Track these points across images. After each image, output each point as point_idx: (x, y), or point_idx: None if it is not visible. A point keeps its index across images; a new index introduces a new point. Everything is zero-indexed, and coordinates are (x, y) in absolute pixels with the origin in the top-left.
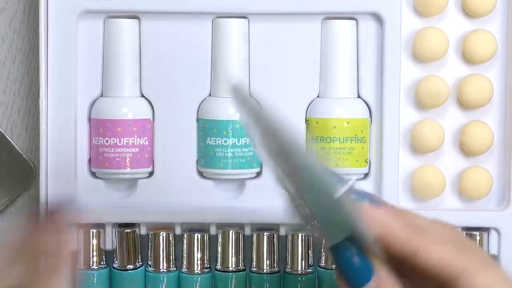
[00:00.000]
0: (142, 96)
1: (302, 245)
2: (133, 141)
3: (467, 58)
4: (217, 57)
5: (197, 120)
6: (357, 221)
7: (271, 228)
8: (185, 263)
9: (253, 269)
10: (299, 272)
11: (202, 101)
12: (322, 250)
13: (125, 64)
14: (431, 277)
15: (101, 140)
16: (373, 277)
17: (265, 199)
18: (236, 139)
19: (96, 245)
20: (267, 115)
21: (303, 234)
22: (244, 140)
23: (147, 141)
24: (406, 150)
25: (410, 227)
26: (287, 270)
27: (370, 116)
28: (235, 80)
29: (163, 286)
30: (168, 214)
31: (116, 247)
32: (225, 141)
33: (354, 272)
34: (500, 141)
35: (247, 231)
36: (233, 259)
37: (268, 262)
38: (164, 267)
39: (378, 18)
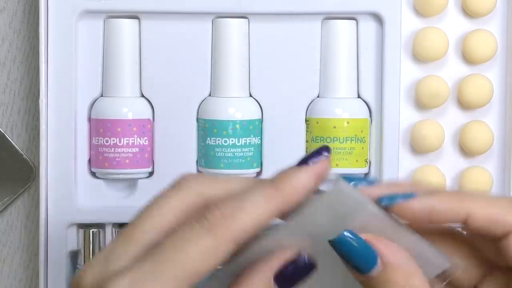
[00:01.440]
0: (142, 96)
1: None
2: (133, 141)
3: (467, 58)
4: (217, 57)
5: (197, 120)
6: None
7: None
8: None
9: None
10: None
11: (202, 101)
12: None
13: (125, 64)
14: (485, 239)
15: (101, 140)
16: (378, 260)
17: None
18: (236, 139)
19: (96, 245)
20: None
21: None
22: (244, 140)
23: (147, 141)
24: (406, 150)
25: (452, 195)
26: None
27: (370, 116)
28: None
29: None
30: None
31: None
32: (225, 141)
33: (358, 260)
34: (500, 141)
35: None
36: None
37: None
38: None
39: (378, 18)
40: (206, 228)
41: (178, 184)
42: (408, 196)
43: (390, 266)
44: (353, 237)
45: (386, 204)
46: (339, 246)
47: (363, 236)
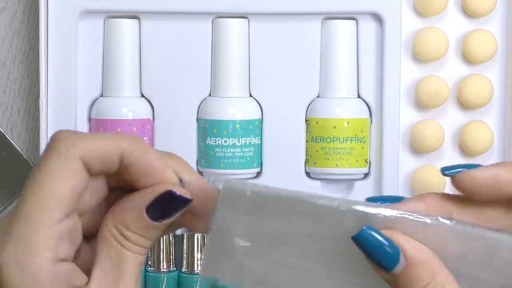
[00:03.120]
0: (142, 96)
1: None
2: None
3: (467, 58)
4: (217, 57)
5: (197, 120)
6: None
7: None
8: (185, 263)
9: None
10: None
11: (202, 101)
12: None
13: (125, 64)
14: None
15: None
16: (401, 256)
17: None
18: (236, 139)
19: None
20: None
21: None
22: (244, 140)
23: (147, 141)
24: (406, 150)
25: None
26: None
27: (370, 116)
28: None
29: (163, 286)
30: None
31: None
32: (225, 141)
33: (381, 256)
34: (500, 141)
35: None
36: None
37: None
38: (164, 267)
39: (378, 18)
40: (54, 149)
41: (57, 146)
42: (472, 166)
43: (414, 263)
44: (374, 233)
45: (449, 173)
46: (361, 241)
47: (384, 232)
